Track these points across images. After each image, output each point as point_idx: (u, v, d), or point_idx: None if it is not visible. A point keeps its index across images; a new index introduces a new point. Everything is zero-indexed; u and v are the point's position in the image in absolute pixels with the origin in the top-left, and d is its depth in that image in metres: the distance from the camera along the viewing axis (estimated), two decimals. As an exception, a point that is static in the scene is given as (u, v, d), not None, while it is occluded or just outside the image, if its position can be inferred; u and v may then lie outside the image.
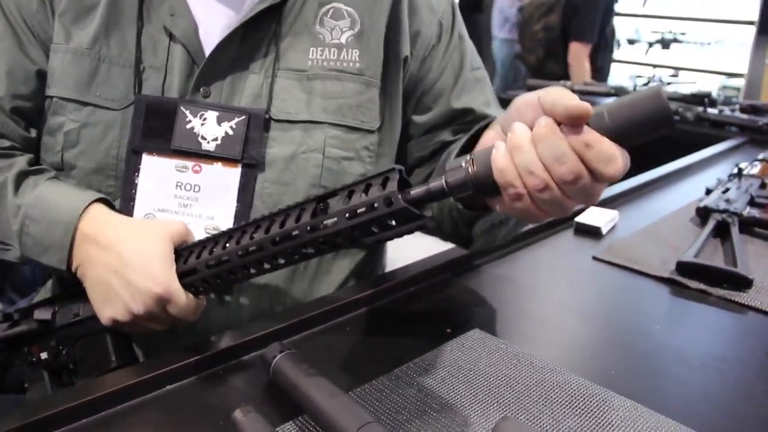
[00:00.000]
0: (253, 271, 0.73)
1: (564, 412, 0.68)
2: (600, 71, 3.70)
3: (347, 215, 0.62)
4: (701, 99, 2.36)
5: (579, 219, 1.21)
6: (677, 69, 5.68)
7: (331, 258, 0.93)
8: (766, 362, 0.81)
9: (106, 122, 0.87)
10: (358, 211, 0.62)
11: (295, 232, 0.66)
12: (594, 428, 0.65)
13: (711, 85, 4.99)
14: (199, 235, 0.85)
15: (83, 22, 0.88)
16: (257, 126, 0.85)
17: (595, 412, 0.68)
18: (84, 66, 0.87)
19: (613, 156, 0.55)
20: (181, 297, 0.75)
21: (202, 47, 0.87)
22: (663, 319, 0.91)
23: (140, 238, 0.78)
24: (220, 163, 0.86)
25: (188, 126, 0.85)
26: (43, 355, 0.85)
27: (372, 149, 0.92)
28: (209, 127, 0.85)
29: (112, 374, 0.74)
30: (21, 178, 0.86)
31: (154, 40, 0.87)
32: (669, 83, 4.12)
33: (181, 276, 0.76)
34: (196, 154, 0.86)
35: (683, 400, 0.72)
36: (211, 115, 0.85)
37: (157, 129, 0.85)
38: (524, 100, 0.62)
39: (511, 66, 5.17)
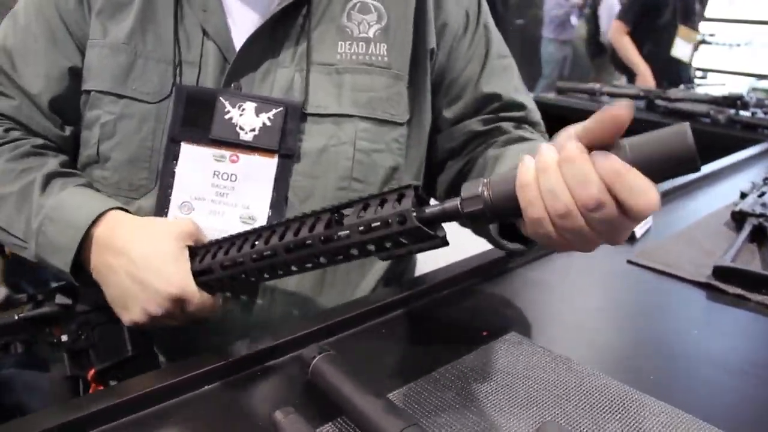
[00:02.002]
0: (266, 275, 0.73)
1: (604, 417, 0.67)
2: (653, 67, 3.72)
3: (360, 229, 0.62)
4: (733, 101, 2.33)
5: (612, 222, 1.20)
6: (706, 71, 5.61)
7: (359, 266, 0.93)
8: (808, 369, 0.79)
9: (141, 115, 0.88)
10: (372, 225, 0.62)
11: (309, 242, 0.66)
12: (635, 434, 0.65)
13: (740, 87, 4.92)
14: (234, 223, 0.87)
15: (119, 17, 0.90)
16: (294, 117, 0.86)
17: (635, 417, 0.67)
18: (120, 60, 0.88)
19: (644, 188, 0.52)
20: (197, 296, 0.76)
21: (233, 43, 0.88)
22: (701, 324, 0.90)
23: (150, 240, 0.78)
24: (257, 154, 0.87)
25: (227, 116, 0.87)
26: (64, 338, 0.87)
27: (402, 141, 0.92)
28: (247, 118, 0.86)
29: (149, 375, 0.74)
30: (49, 178, 0.87)
31: (188, 35, 0.89)
32: (698, 85, 4.07)
33: (197, 274, 0.77)
34: (234, 144, 0.87)
35: (724, 407, 0.72)
36: (250, 106, 0.86)
37: (196, 119, 0.87)
38: (564, 130, 0.60)
39: (556, 65, 5.23)
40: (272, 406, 0.64)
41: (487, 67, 0.99)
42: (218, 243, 0.76)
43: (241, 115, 0.86)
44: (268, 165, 0.87)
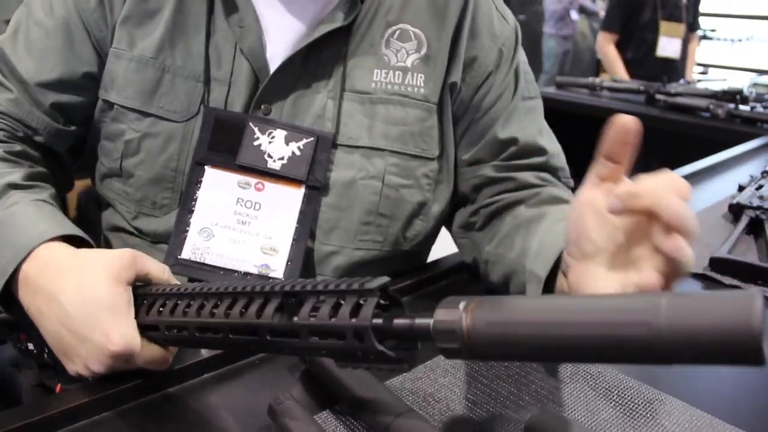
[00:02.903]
0: (217, 346, 0.65)
1: (598, 404, 0.68)
2: (642, 72, 3.65)
3: (311, 331, 0.52)
4: (733, 96, 2.35)
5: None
6: (707, 66, 5.62)
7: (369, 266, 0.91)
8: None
9: (167, 134, 0.86)
10: (325, 331, 0.51)
11: (255, 329, 0.56)
12: (629, 421, 0.65)
13: (741, 82, 4.93)
14: (254, 253, 0.83)
15: (147, 27, 0.86)
16: (324, 149, 0.84)
17: (629, 404, 0.68)
18: (148, 76, 0.85)
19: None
20: (143, 351, 0.66)
21: (267, 64, 0.85)
22: (697, 315, 0.90)
23: (83, 285, 0.66)
24: (283, 183, 0.85)
25: (255, 143, 0.84)
26: (30, 346, 0.80)
27: (431, 177, 0.90)
28: (276, 146, 0.84)
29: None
30: (7, 189, 0.78)
31: (220, 51, 0.85)
32: (699, 80, 4.07)
33: (144, 328, 0.66)
34: (261, 171, 0.85)
35: (719, 395, 0.72)
36: (279, 134, 0.84)
37: (223, 143, 0.84)
38: (584, 205, 0.60)
39: (556, 60, 5.25)
40: (269, 394, 0.64)
41: (509, 109, 0.93)
42: (165, 295, 0.66)
43: (270, 142, 0.84)
44: (294, 195, 0.85)
